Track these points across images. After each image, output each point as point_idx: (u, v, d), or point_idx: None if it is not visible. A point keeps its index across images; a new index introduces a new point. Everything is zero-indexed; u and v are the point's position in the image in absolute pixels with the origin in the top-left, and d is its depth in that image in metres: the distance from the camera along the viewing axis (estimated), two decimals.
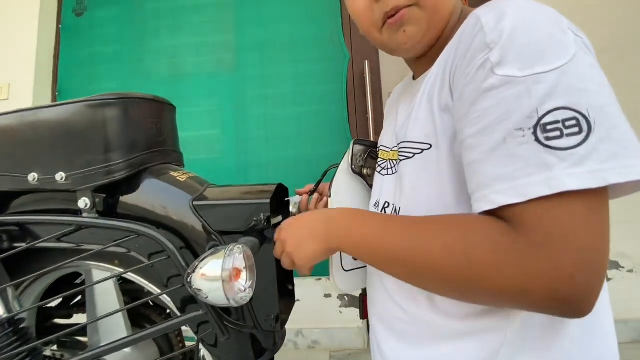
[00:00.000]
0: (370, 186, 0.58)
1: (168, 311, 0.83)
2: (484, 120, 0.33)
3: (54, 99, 2.18)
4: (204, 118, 2.05)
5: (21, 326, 0.62)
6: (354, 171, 0.57)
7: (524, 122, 0.30)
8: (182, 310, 0.58)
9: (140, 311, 0.81)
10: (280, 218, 0.63)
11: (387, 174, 0.51)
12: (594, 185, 0.28)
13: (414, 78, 0.54)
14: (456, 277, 0.33)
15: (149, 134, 0.61)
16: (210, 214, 0.56)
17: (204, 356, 0.64)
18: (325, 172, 0.69)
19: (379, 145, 0.58)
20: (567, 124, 0.29)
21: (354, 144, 0.59)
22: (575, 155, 0.29)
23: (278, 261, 0.56)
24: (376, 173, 0.55)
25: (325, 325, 1.67)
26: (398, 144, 0.47)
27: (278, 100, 1.99)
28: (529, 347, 0.36)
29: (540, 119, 0.30)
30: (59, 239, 0.59)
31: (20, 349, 0.60)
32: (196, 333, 0.58)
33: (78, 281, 0.87)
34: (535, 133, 0.30)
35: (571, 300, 0.28)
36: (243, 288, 0.43)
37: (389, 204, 0.48)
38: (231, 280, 0.42)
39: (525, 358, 0.36)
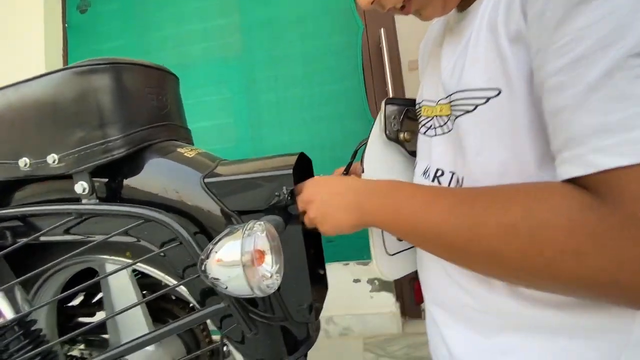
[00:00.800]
0: (411, 153, 0.49)
1: (191, 304, 0.77)
2: (577, 47, 0.23)
3: None
4: (215, 107, 1.99)
5: (33, 328, 0.57)
6: (388, 137, 0.48)
7: (617, 61, 0.21)
8: (202, 303, 0.50)
9: (160, 306, 0.75)
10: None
11: (437, 134, 0.41)
12: None
13: (458, 10, 0.42)
14: (519, 267, 0.25)
15: (148, 105, 0.53)
16: (224, 191, 0.47)
17: (229, 351, 0.57)
18: (356, 151, 0.58)
19: (418, 102, 0.48)
20: None
21: (385, 104, 0.49)
22: None
23: (308, 243, 0.47)
24: (420, 135, 0.46)
25: (356, 311, 1.60)
26: (449, 95, 0.37)
27: (289, 82, 1.90)
28: None
29: (625, 60, 0.21)
30: (66, 231, 0.53)
31: (33, 352, 0.54)
32: (219, 328, 0.50)
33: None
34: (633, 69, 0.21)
35: None
36: (269, 273, 0.35)
37: (443, 172, 0.39)
38: (254, 265, 0.33)
39: None
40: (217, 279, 0.35)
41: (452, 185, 0.37)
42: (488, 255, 0.27)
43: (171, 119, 0.58)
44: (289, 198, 0.45)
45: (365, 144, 0.49)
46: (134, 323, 0.67)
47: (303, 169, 0.54)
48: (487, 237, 0.26)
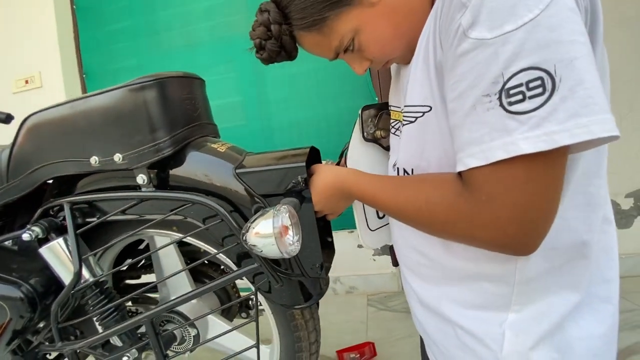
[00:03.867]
0: (387, 148, 0.59)
1: (222, 267, 0.93)
2: (460, 85, 0.34)
3: (82, 82, 2.26)
4: (224, 85, 2.06)
5: (105, 287, 0.74)
6: (366, 139, 0.56)
7: (490, 88, 0.31)
8: (238, 264, 0.66)
9: (197, 268, 0.92)
10: None
11: (395, 135, 0.53)
12: (546, 148, 0.29)
13: None
14: (428, 228, 0.41)
15: (186, 110, 0.65)
16: (252, 179, 0.61)
17: (259, 302, 0.74)
18: (342, 152, 0.68)
19: (390, 105, 0.58)
20: (531, 85, 0.29)
21: (361, 111, 0.58)
22: (534, 118, 0.30)
23: (317, 217, 0.61)
24: (391, 133, 0.56)
25: (361, 272, 1.78)
26: (402, 108, 0.48)
27: (295, 60, 1.95)
28: (546, 279, 0.40)
29: (504, 83, 0.30)
30: (124, 212, 0.68)
31: (109, 306, 0.71)
32: (252, 282, 0.66)
33: (141, 247, 0.99)
34: (500, 98, 0.31)
35: (510, 247, 0.34)
36: (292, 242, 0.49)
37: (402, 171, 0.50)
38: (282, 236, 0.47)
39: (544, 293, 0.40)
40: (255, 245, 0.49)
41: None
42: (413, 221, 0.42)
43: (202, 119, 0.70)
44: (303, 184, 0.58)
45: (348, 147, 0.59)
46: (179, 282, 0.84)
47: (313, 158, 0.67)
48: (408, 209, 0.41)
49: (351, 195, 0.51)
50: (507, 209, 0.32)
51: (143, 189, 0.63)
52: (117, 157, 0.60)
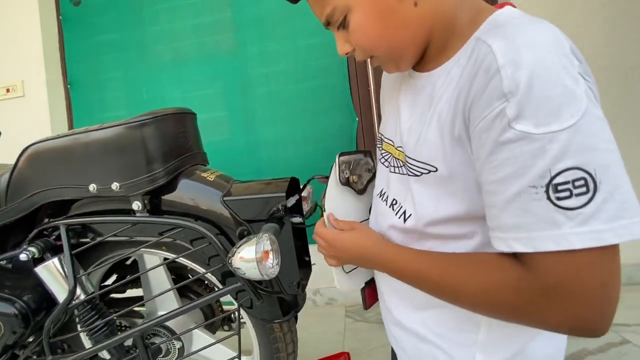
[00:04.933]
0: (358, 191, 0.62)
1: (206, 282, 0.99)
2: (501, 171, 0.35)
3: (67, 92, 2.27)
4: (210, 101, 2.12)
5: (97, 303, 0.79)
6: (341, 182, 0.60)
7: (538, 180, 0.33)
8: (223, 282, 0.73)
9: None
10: (296, 197, 0.72)
11: (394, 172, 0.53)
12: (595, 244, 0.32)
13: (415, 69, 0.51)
14: (485, 312, 0.41)
15: (179, 142, 0.72)
16: (238, 206, 0.68)
17: (241, 316, 0.80)
18: (308, 181, 0.74)
19: (380, 134, 0.61)
20: (577, 184, 0.32)
21: (338, 157, 0.61)
22: (581, 215, 0.32)
23: (295, 239, 0.69)
24: (380, 162, 0.59)
25: None
26: (405, 152, 0.49)
27: (280, 78, 2.03)
28: None
29: (552, 178, 0.33)
30: (117, 234, 0.74)
31: (100, 322, 0.76)
32: (235, 299, 0.73)
33: (128, 262, 1.04)
34: (547, 192, 0.33)
35: (582, 330, 0.35)
36: (271, 265, 0.57)
37: (397, 201, 0.52)
38: (262, 260, 0.55)
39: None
40: (239, 268, 0.56)
41: (400, 215, 0.50)
42: (464, 304, 0.41)
43: (193, 149, 0.77)
44: (283, 211, 0.67)
45: (317, 178, 0.63)
46: (166, 297, 0.89)
47: (293, 187, 0.75)
48: (465, 294, 0.40)
49: (372, 264, 0.50)
50: (578, 297, 0.33)
51: (137, 214, 0.69)
52: (115, 185, 0.66)
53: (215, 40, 2.10)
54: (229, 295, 0.73)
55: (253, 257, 0.54)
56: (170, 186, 0.71)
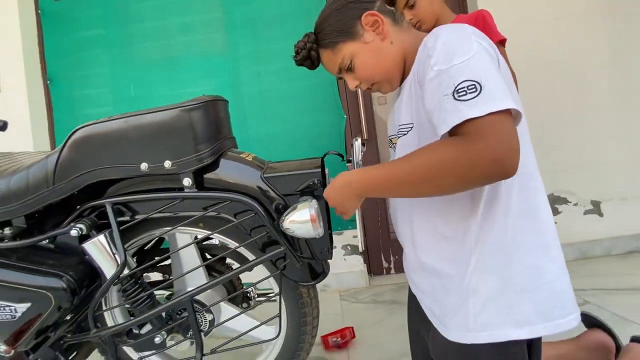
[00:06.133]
0: None
1: (227, 260, 1.06)
2: (433, 93, 0.57)
3: (46, 87, 2.21)
4: None
5: (139, 277, 0.84)
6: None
7: (447, 90, 0.54)
8: (263, 251, 0.81)
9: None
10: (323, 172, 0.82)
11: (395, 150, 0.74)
12: (482, 113, 0.50)
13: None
14: (439, 175, 0.53)
15: (219, 126, 0.80)
16: (276, 182, 0.78)
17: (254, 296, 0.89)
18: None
19: (388, 135, 0.81)
20: (470, 88, 0.52)
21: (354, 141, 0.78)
22: (473, 101, 0.52)
23: (327, 210, 0.80)
24: (391, 150, 0.78)
25: (333, 271, 1.96)
26: (397, 126, 0.71)
27: (272, 77, 2.11)
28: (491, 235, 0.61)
29: (455, 87, 0.53)
30: (163, 210, 0.79)
31: (142, 294, 0.82)
32: (274, 265, 0.82)
33: (148, 247, 1.08)
34: (453, 95, 0.53)
35: (501, 165, 0.50)
36: (319, 225, 0.67)
37: None
38: (313, 221, 0.65)
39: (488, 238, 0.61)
40: (289, 229, 0.67)
41: None
42: (425, 176, 0.54)
43: (229, 133, 0.85)
44: (318, 185, 0.77)
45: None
46: (196, 275, 0.95)
47: (322, 165, 0.85)
48: (422, 166, 0.54)
49: (361, 188, 0.63)
50: (493, 140, 0.50)
51: (186, 190, 0.76)
52: (167, 163, 0.73)
53: (206, 39, 2.15)
54: (250, 277, 0.82)
55: (307, 218, 0.65)
56: (214, 165, 0.78)
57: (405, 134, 0.68)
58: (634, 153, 1.93)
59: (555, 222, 1.92)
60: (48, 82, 2.20)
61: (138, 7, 2.17)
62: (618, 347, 0.88)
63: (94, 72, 2.19)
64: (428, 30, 1.22)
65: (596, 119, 1.94)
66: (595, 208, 1.95)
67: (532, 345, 0.62)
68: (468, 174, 0.52)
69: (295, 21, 2.10)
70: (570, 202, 1.97)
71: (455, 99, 0.53)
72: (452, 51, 0.56)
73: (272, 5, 2.10)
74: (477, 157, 0.50)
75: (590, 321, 0.95)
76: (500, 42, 1.08)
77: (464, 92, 0.52)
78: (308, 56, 0.73)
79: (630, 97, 1.93)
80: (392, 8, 0.73)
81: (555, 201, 1.96)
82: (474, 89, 0.52)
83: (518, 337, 0.58)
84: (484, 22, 1.06)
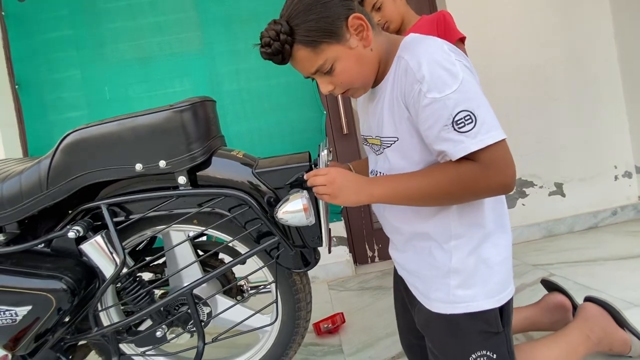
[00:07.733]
0: None
1: (220, 256, 1.10)
2: (427, 122, 0.61)
3: (14, 92, 2.13)
4: (178, 98, 2.10)
5: (137, 275, 0.87)
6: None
7: (446, 121, 0.59)
8: (257, 242, 0.86)
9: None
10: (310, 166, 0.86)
11: (378, 153, 0.76)
12: (481, 146, 0.58)
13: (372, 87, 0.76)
14: (459, 193, 0.62)
15: (209, 126, 0.84)
16: (267, 177, 0.83)
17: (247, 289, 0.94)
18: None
19: (362, 135, 0.85)
20: (466, 119, 0.58)
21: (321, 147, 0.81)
22: (472, 133, 0.58)
23: (316, 201, 0.85)
24: (368, 152, 0.83)
25: (321, 263, 2.02)
26: (377, 136, 0.75)
27: (250, 75, 2.13)
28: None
29: (453, 118, 0.59)
30: (159, 209, 0.82)
31: (142, 291, 0.85)
32: (269, 254, 0.87)
33: (140, 247, 1.10)
34: (452, 126, 0.59)
35: (509, 186, 0.61)
36: (310, 214, 0.73)
37: (382, 174, 0.75)
38: (305, 210, 0.71)
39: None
40: (282, 218, 0.72)
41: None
42: (444, 193, 0.62)
43: (218, 132, 0.89)
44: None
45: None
46: (190, 271, 0.99)
47: (310, 160, 0.91)
48: (444, 184, 0.61)
49: (375, 197, 0.66)
50: (500, 168, 0.59)
51: (181, 188, 0.80)
52: (162, 163, 0.76)
53: (180, 38, 2.13)
54: (244, 272, 0.86)
55: (300, 208, 0.70)
56: (207, 163, 0.82)
57: (389, 147, 0.71)
58: (587, 138, 2.11)
59: (524, 204, 2.09)
60: (16, 86, 2.12)
61: (107, 6, 2.13)
62: (574, 307, 1.00)
63: (65, 75, 2.13)
64: (395, 30, 1.30)
65: (556, 109, 2.10)
66: (559, 189, 2.12)
67: (503, 309, 0.71)
68: (483, 192, 0.62)
69: (272, 18, 2.12)
70: (536, 185, 2.12)
71: (455, 130, 0.58)
72: (441, 79, 0.59)
73: (246, 3, 2.12)
74: (492, 180, 0.60)
75: (549, 286, 1.07)
76: (460, 40, 1.17)
77: (462, 124, 0.58)
78: (281, 50, 0.64)
79: (584, 89, 2.10)
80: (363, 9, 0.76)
81: (523, 185, 2.10)
82: (470, 120, 0.58)
83: (490, 306, 0.68)
84: (444, 22, 1.16)
